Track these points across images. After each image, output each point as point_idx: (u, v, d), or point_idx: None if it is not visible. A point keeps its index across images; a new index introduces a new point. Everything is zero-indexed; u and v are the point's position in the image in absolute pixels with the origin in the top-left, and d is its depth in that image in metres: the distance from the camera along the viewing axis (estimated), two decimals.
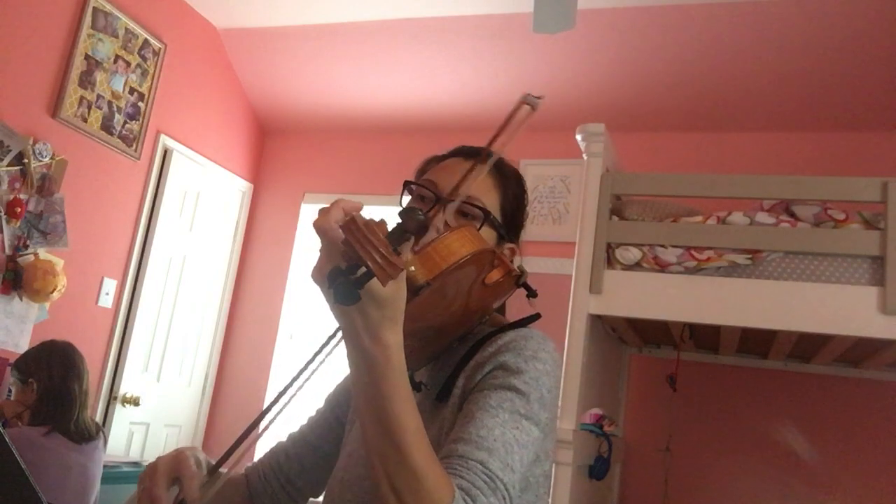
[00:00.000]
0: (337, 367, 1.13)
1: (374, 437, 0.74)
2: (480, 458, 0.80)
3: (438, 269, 0.83)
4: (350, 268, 0.65)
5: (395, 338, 0.72)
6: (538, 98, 0.86)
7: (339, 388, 1.19)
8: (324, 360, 0.79)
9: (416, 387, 0.95)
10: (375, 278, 0.64)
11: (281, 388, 0.80)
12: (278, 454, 1.15)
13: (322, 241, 0.70)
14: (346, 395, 1.17)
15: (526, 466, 0.86)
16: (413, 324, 0.87)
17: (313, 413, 1.20)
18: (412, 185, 1.08)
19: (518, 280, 0.98)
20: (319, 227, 0.70)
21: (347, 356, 0.75)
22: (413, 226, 0.69)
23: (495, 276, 0.93)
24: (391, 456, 0.73)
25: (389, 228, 0.70)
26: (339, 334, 0.76)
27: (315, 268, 0.71)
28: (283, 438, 1.19)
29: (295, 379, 0.79)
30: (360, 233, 0.65)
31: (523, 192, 1.13)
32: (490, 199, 1.05)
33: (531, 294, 1.01)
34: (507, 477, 0.81)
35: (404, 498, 0.72)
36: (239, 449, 0.84)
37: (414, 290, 0.78)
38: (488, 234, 1.04)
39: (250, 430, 0.86)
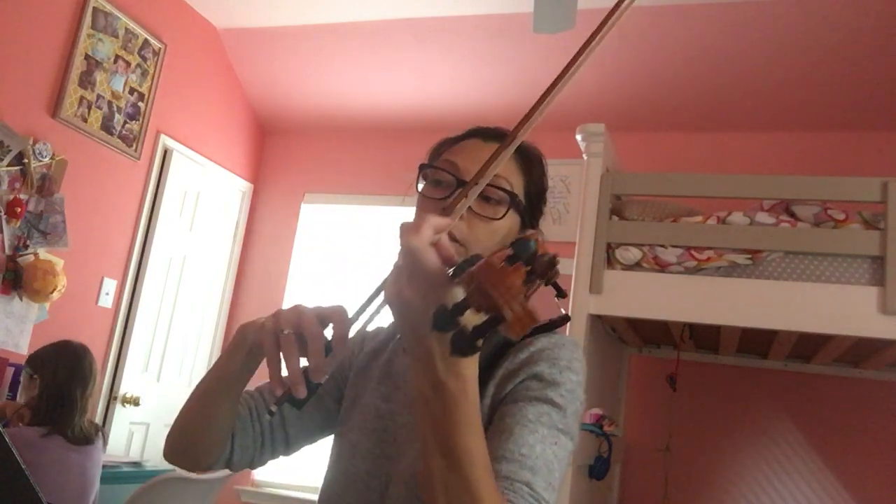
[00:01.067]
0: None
1: (440, 467, 0.70)
2: (526, 479, 0.79)
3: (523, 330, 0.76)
4: (458, 307, 0.58)
5: (472, 369, 0.69)
6: None
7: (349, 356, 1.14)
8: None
9: None
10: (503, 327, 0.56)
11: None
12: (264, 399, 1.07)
13: (407, 262, 0.65)
14: (340, 369, 1.11)
15: (562, 480, 0.86)
16: None
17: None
18: (429, 169, 1.01)
19: (547, 280, 0.92)
20: (413, 248, 0.64)
21: (415, 383, 0.71)
22: (543, 270, 0.60)
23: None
24: (457, 488, 0.69)
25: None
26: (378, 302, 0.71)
27: (393, 289, 0.67)
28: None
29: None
30: (498, 277, 0.57)
31: (545, 175, 1.07)
32: (515, 181, 0.99)
33: (560, 294, 0.93)
34: (551, 497, 0.80)
35: None
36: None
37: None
38: (514, 220, 0.99)
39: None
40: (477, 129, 1.05)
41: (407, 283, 0.66)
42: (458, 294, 0.64)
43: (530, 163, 1.03)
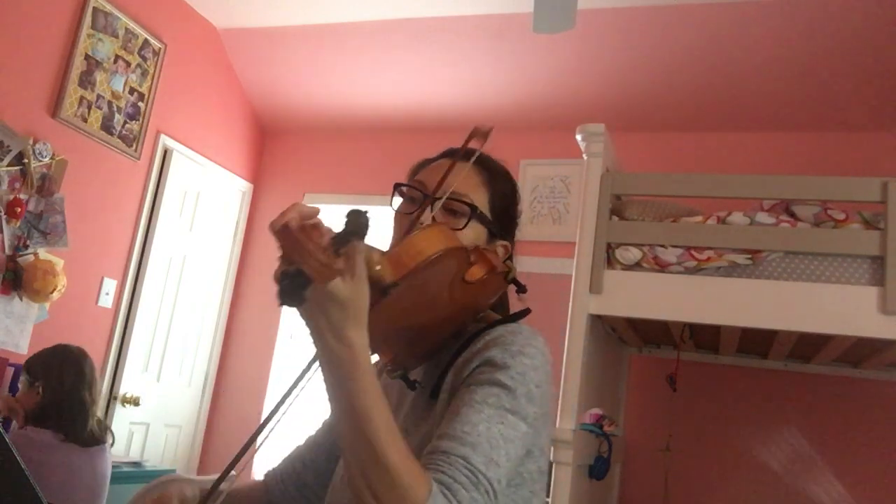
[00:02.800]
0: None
1: (347, 435, 0.75)
2: (463, 453, 0.80)
3: (406, 268, 0.84)
4: (297, 271, 0.67)
5: (360, 337, 0.73)
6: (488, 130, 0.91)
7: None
8: (307, 380, 0.80)
9: (411, 385, 0.96)
10: (315, 280, 0.66)
11: (274, 405, 0.81)
12: (295, 461, 1.16)
13: (279, 243, 0.72)
14: None
15: (514, 461, 0.86)
16: (393, 324, 0.88)
17: (313, 434, 1.20)
18: (402, 187, 1.09)
19: (507, 276, 0.99)
20: (276, 230, 0.71)
21: (318, 357, 0.76)
22: (353, 227, 0.70)
23: (477, 273, 0.94)
24: (364, 452, 0.73)
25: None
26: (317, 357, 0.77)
27: (276, 269, 0.73)
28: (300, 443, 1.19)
29: (283, 399, 0.80)
30: (294, 237, 0.68)
31: (513, 189, 1.13)
32: (478, 195, 1.06)
33: (521, 290, 1.02)
34: (492, 472, 0.81)
35: (380, 494, 0.73)
36: (230, 474, 0.84)
37: (382, 289, 0.79)
38: (478, 231, 1.05)
39: (240, 455, 0.86)
40: (448, 150, 1.13)
41: (280, 263, 0.73)
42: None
43: (493, 176, 1.10)
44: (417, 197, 1.06)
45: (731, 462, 3.34)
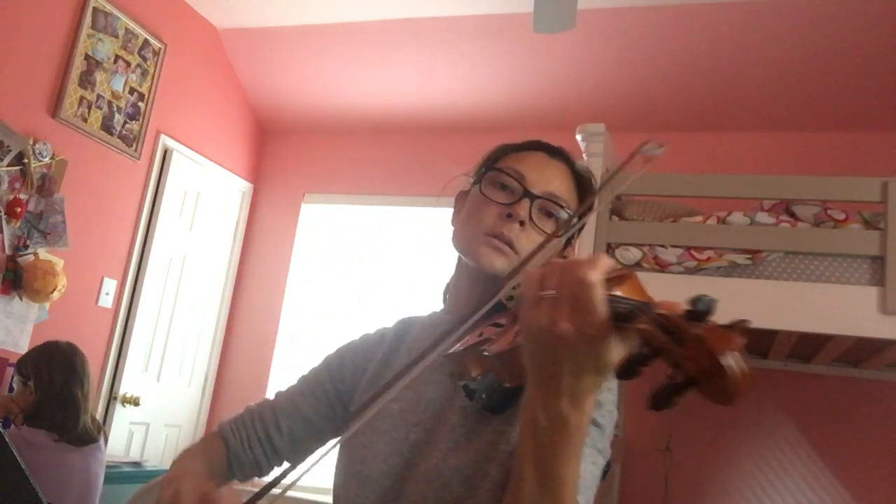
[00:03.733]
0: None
1: (536, 491, 0.71)
2: (577, 500, 0.81)
3: None
4: (644, 358, 0.58)
5: (591, 405, 0.69)
6: (659, 148, 0.75)
7: (345, 359, 1.13)
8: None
9: (470, 395, 0.91)
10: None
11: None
12: (269, 426, 1.09)
13: (577, 296, 0.63)
14: (353, 368, 1.11)
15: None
16: None
17: (308, 374, 1.14)
18: (497, 171, 1.03)
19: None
20: (591, 284, 0.62)
21: (529, 407, 0.70)
22: (745, 331, 0.58)
23: None
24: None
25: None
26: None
27: (547, 319, 0.64)
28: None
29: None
30: (720, 332, 0.56)
31: (593, 203, 1.08)
32: (571, 200, 1.04)
33: None
34: None
35: None
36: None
37: None
38: (559, 239, 1.03)
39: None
40: (540, 142, 1.08)
41: (568, 315, 0.63)
42: (615, 342, 0.63)
43: (585, 190, 1.06)
44: (514, 187, 1.01)
45: (731, 462, 3.34)
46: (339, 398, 1.10)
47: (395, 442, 0.99)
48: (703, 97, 3.62)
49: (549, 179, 1.01)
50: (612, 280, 0.65)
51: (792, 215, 2.50)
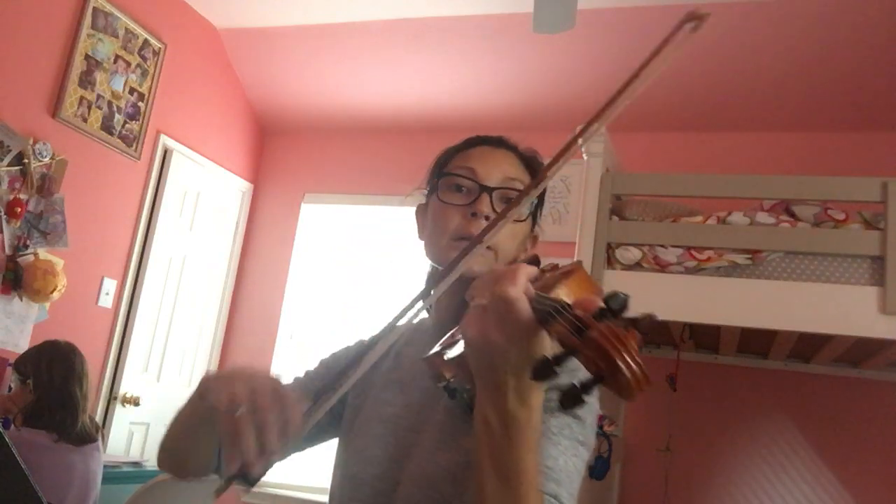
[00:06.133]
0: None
1: (496, 489, 0.73)
2: (553, 491, 0.81)
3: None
4: (559, 359, 0.60)
5: (539, 399, 0.72)
6: (703, 15, 0.73)
7: (340, 361, 1.12)
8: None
9: (451, 394, 0.92)
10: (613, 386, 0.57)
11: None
12: None
13: (500, 309, 0.66)
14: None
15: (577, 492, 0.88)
16: None
17: (302, 376, 1.14)
18: (448, 175, 1.04)
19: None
20: (511, 299, 0.66)
21: (480, 409, 0.72)
22: (646, 326, 0.60)
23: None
24: (509, 501, 0.73)
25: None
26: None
27: (476, 329, 0.68)
28: None
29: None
30: (614, 334, 0.57)
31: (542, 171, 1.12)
32: (526, 180, 1.03)
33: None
34: None
35: None
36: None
37: None
38: (528, 222, 1.04)
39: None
40: (480, 137, 1.09)
41: (495, 326, 0.68)
42: (546, 341, 0.66)
43: (535, 169, 1.07)
44: (468, 185, 1.02)
45: (731, 462, 3.34)
46: (338, 400, 1.10)
47: (388, 446, 1.00)
48: (703, 97, 3.62)
49: (500, 168, 1.02)
50: (558, 277, 0.68)
51: (792, 215, 2.50)
